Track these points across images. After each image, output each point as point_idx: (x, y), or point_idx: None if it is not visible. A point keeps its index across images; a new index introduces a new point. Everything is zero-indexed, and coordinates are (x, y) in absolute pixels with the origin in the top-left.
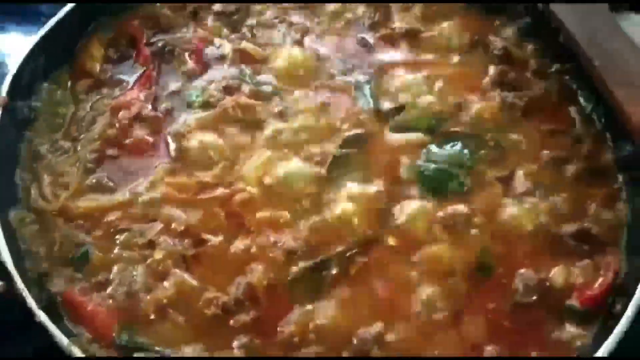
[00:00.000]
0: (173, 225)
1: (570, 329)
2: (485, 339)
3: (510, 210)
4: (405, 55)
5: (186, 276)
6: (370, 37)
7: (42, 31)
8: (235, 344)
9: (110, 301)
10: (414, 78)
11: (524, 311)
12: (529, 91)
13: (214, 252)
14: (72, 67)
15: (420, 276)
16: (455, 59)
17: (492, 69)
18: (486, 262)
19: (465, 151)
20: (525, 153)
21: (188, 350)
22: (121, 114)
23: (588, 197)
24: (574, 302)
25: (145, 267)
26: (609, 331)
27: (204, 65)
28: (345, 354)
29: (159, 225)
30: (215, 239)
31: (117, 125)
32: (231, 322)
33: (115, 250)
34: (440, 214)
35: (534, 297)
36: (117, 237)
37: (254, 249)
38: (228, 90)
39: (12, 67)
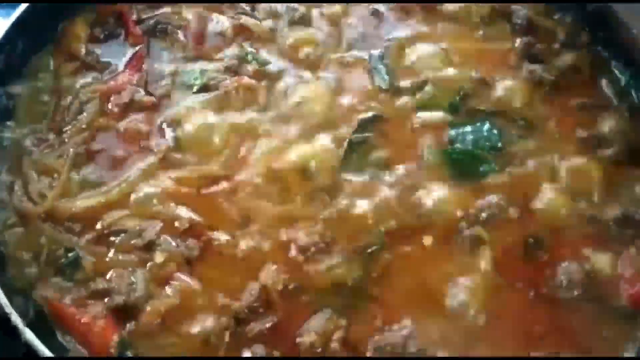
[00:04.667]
0: (175, 224)
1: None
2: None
3: (547, 195)
4: (421, 26)
5: (191, 281)
6: (382, 7)
7: (20, 10)
8: (250, 355)
9: (107, 312)
10: (432, 51)
11: (568, 307)
12: (558, 64)
13: (221, 251)
14: (55, 49)
15: (453, 270)
16: (476, 30)
17: (517, 41)
18: (528, 250)
19: (494, 131)
20: (557, 132)
21: None
22: (112, 100)
23: (630, 179)
24: (621, 297)
25: (145, 272)
26: None
27: (201, 44)
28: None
29: (158, 224)
30: (222, 237)
31: (107, 112)
32: (245, 331)
33: (110, 254)
34: (473, 204)
35: (577, 292)
36: (112, 239)
37: (265, 247)
38: (229, 70)
39: None
